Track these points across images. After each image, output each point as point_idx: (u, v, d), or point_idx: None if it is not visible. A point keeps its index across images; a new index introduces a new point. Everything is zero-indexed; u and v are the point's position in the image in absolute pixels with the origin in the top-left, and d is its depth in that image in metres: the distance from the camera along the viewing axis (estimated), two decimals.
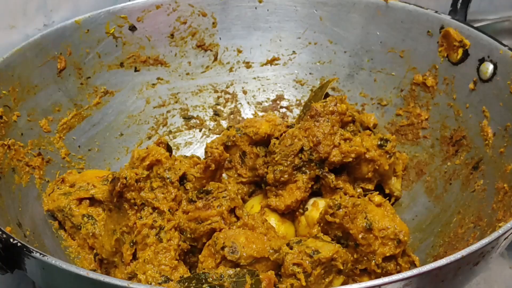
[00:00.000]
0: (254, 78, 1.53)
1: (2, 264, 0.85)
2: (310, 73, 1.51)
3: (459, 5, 1.36)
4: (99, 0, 1.44)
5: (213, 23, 1.48)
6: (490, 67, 1.24)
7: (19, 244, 0.83)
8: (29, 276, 0.93)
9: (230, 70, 1.52)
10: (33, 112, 1.25)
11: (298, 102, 1.52)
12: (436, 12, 1.35)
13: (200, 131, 1.50)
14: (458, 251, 0.83)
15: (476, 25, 1.48)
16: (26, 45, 1.26)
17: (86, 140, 1.36)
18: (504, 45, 1.23)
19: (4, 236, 0.84)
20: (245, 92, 1.52)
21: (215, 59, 1.51)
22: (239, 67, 1.52)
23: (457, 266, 0.84)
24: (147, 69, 1.46)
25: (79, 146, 1.34)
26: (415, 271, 0.79)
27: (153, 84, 1.47)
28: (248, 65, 1.52)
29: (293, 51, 1.51)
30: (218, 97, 1.52)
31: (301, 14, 1.48)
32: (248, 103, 1.53)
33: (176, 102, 1.49)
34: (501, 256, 1.20)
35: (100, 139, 1.39)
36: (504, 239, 0.91)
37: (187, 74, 1.50)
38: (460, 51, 1.30)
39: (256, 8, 1.49)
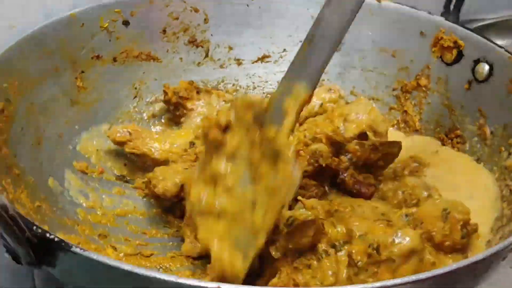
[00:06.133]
0: (245, 75, 1.53)
1: (36, 260, 0.83)
2: None
3: (451, 6, 1.40)
4: (98, 0, 1.41)
5: (205, 19, 1.48)
6: (486, 67, 1.28)
7: (56, 239, 0.82)
8: (53, 273, 0.91)
9: (221, 66, 1.52)
10: (31, 106, 1.22)
11: None
12: (429, 13, 1.39)
13: None
14: None
15: (475, 24, 1.53)
16: (23, 39, 1.23)
17: (80, 136, 1.34)
18: (500, 46, 1.27)
19: (40, 231, 0.82)
20: (236, 90, 1.53)
21: (206, 55, 1.50)
22: (230, 64, 1.52)
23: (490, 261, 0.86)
24: (139, 64, 1.44)
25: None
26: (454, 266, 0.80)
27: (146, 80, 1.45)
28: (239, 62, 1.52)
29: (284, 49, 1.52)
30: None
31: (293, 12, 1.49)
32: None
33: None
34: None
35: (94, 135, 1.36)
36: None
37: (179, 70, 1.49)
38: (455, 52, 1.33)
39: (248, 5, 1.49)
